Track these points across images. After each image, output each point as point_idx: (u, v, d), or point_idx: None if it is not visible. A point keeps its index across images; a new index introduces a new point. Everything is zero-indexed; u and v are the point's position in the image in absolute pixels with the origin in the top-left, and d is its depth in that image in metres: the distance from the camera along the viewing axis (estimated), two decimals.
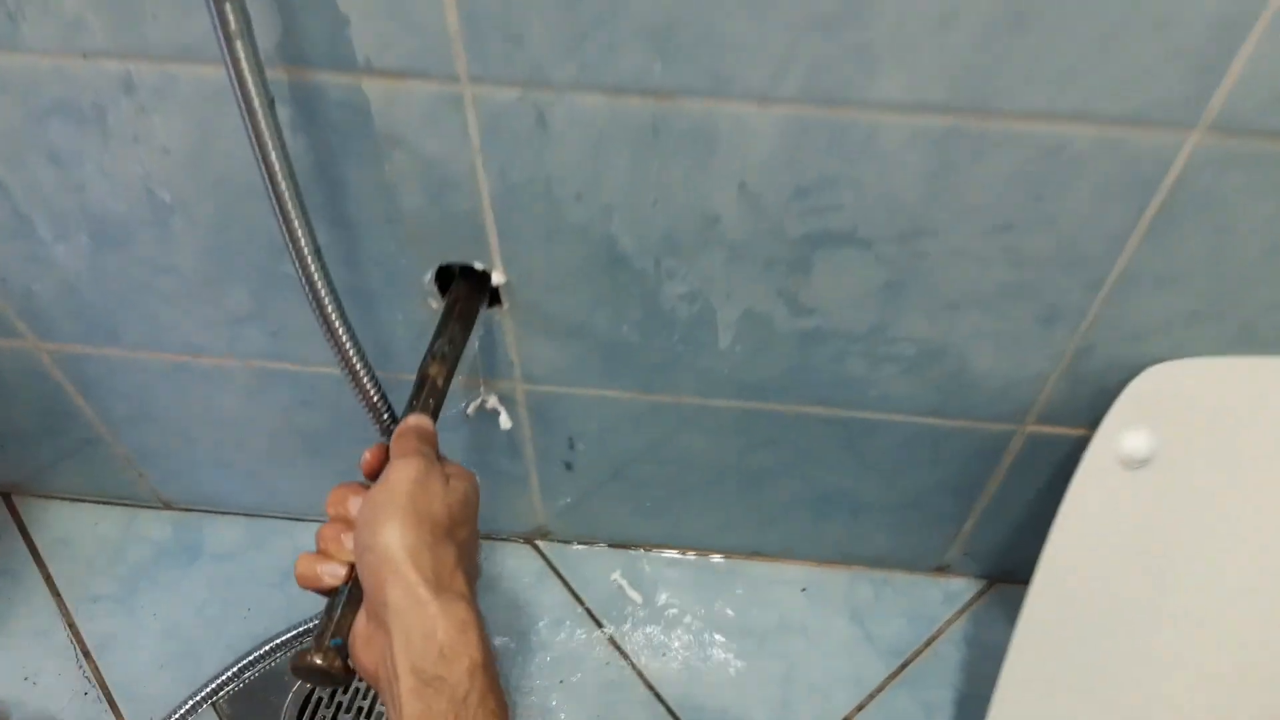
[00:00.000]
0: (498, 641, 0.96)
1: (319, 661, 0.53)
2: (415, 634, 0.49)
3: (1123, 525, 0.71)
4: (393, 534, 0.51)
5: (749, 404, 0.77)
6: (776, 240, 0.61)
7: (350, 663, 0.54)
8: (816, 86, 0.52)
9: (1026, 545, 0.91)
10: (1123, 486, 0.70)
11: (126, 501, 1.05)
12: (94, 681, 0.94)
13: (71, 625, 0.97)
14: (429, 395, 0.63)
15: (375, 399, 0.62)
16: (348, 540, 0.56)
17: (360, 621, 0.54)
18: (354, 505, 0.56)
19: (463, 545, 0.55)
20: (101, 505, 1.05)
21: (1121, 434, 0.69)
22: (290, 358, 0.79)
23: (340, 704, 0.93)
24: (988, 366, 0.70)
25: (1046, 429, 0.76)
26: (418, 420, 0.60)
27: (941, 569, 0.99)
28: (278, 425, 0.88)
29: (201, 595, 1.00)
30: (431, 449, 0.58)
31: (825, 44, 0.50)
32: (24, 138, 0.62)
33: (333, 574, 0.55)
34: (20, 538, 1.03)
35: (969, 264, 0.62)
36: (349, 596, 0.55)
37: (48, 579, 1.00)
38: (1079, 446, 0.75)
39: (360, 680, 0.62)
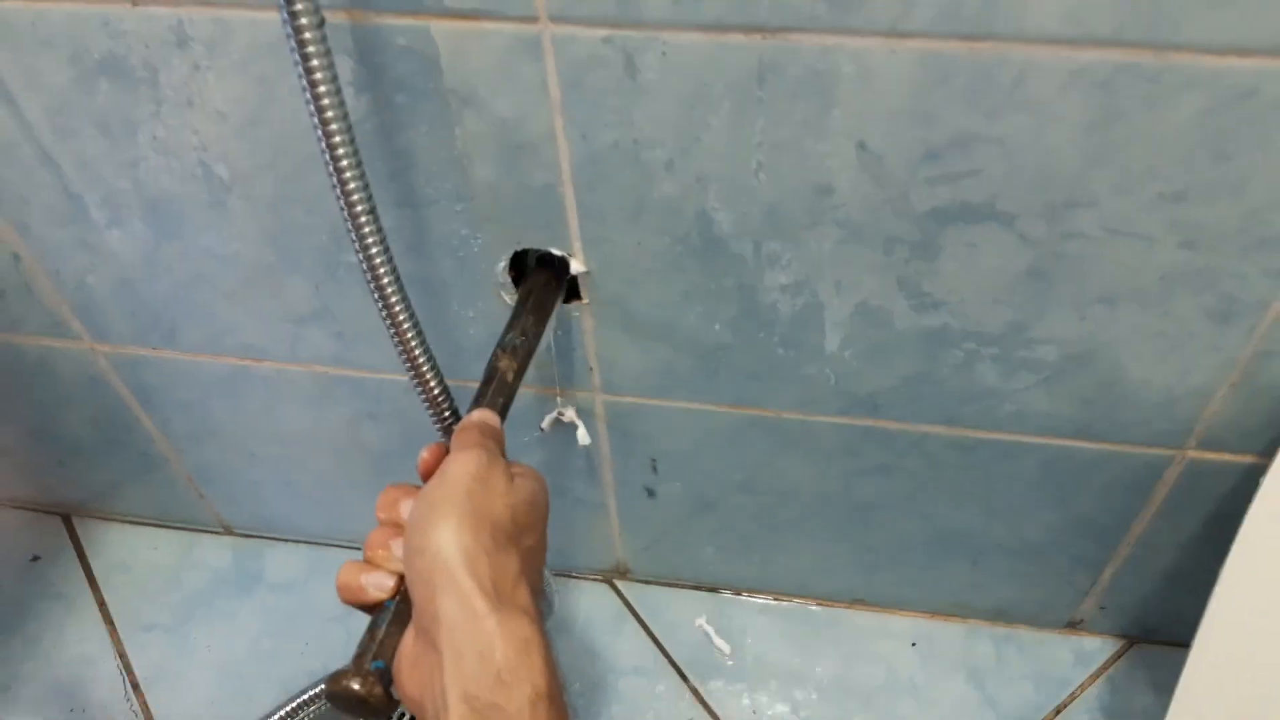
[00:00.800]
0: (570, 692, 0.87)
1: (356, 687, 0.45)
2: (469, 653, 0.42)
3: None
4: (447, 535, 0.44)
5: (859, 421, 0.68)
6: (900, 216, 0.53)
7: (393, 690, 0.46)
8: (956, 16, 0.44)
9: (1176, 599, 0.79)
10: None
11: (187, 526, 1.00)
12: (141, 716, 0.88)
13: (122, 655, 0.92)
14: (497, 392, 0.55)
15: (437, 393, 0.55)
16: (397, 547, 0.48)
17: (407, 640, 0.46)
18: (405, 509, 0.49)
19: (527, 554, 0.47)
20: (161, 529, 1.00)
21: None
22: (355, 363, 0.73)
23: None
24: (1144, 376, 0.60)
25: (1210, 455, 0.65)
26: (482, 415, 0.53)
27: (1073, 625, 0.87)
28: (343, 441, 0.82)
29: (257, 627, 0.93)
30: (496, 445, 0.51)
31: None
32: (72, 102, 0.57)
33: (379, 586, 0.48)
34: (77, 560, 0.99)
35: (1130, 245, 0.52)
36: (396, 613, 0.47)
37: (101, 605, 0.95)
38: (1249, 478, 0.65)
39: (407, 713, 0.54)
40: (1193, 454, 0.65)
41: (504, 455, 0.52)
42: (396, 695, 0.46)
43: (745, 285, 0.59)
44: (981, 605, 0.87)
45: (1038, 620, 0.87)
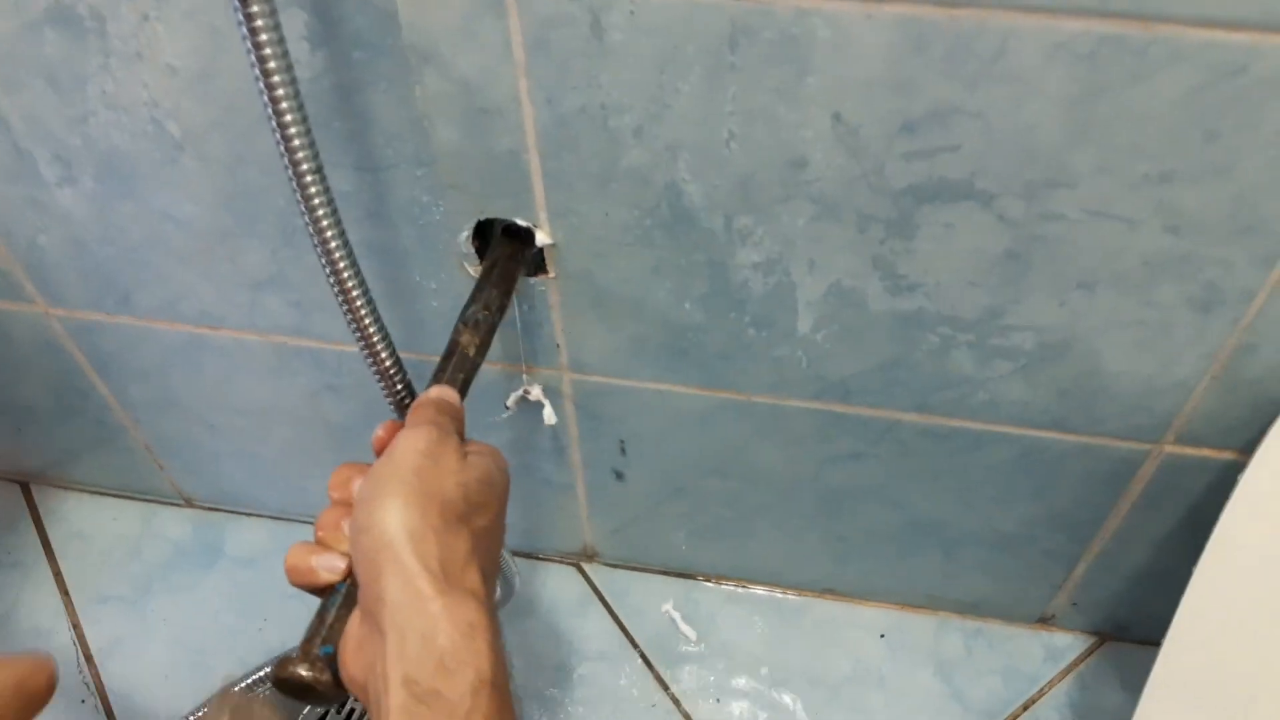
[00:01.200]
0: (531, 675, 0.85)
1: (304, 673, 0.43)
2: (412, 636, 0.40)
3: None
4: (393, 513, 0.42)
5: (831, 406, 0.66)
6: (875, 192, 0.51)
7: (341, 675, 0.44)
8: None
9: (1149, 596, 0.78)
10: None
11: (147, 497, 0.98)
12: (93, 689, 0.86)
13: (76, 626, 0.90)
14: (457, 368, 0.53)
15: (389, 367, 0.53)
16: (349, 528, 0.46)
17: (353, 622, 0.44)
18: (358, 487, 0.46)
19: (480, 535, 0.45)
20: (122, 499, 0.98)
21: None
22: (314, 333, 0.71)
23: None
24: (1122, 367, 0.58)
25: (1188, 450, 0.64)
26: (440, 391, 0.51)
27: (1045, 620, 0.85)
28: (304, 414, 0.80)
29: (217, 601, 0.91)
30: (452, 423, 0.49)
31: None
32: (18, 53, 0.55)
33: (329, 568, 0.46)
34: (34, 529, 0.96)
35: (1112, 228, 0.50)
36: (346, 596, 0.45)
37: (57, 575, 0.93)
38: (1227, 475, 0.63)
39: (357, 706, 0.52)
40: (1170, 449, 0.64)
41: (462, 433, 0.50)
42: (343, 680, 0.44)
43: (716, 261, 0.57)
44: (953, 598, 0.85)
45: (1009, 614, 0.86)
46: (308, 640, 0.45)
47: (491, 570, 0.47)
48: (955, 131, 0.47)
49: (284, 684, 0.44)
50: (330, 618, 0.45)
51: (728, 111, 0.49)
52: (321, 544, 0.47)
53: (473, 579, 0.43)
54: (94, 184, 0.62)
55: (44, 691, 0.46)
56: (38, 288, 0.73)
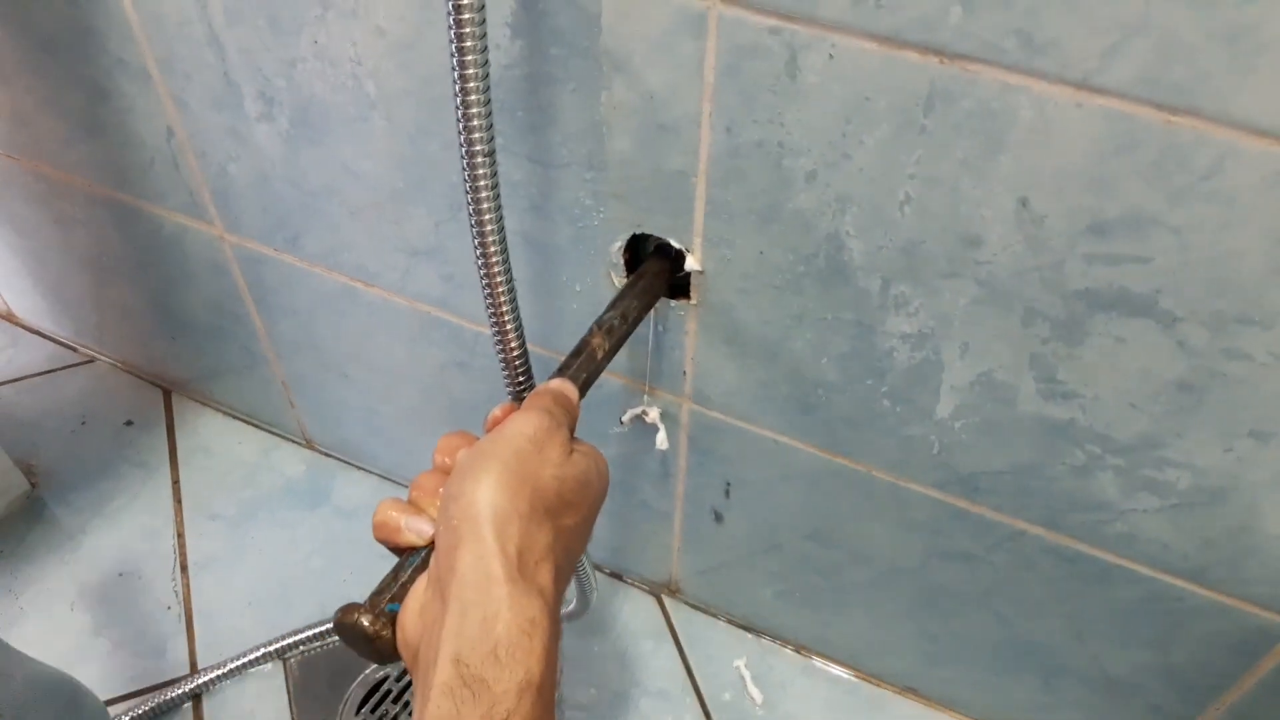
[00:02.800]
0: (586, 693, 0.84)
1: (366, 624, 0.43)
2: (473, 615, 0.39)
3: None
4: (485, 488, 0.41)
5: (954, 499, 0.63)
6: (1048, 288, 0.48)
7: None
8: (1158, 81, 0.39)
9: None
10: None
11: (273, 430, 1.02)
12: (180, 599, 0.89)
13: (180, 535, 0.94)
14: (582, 367, 0.53)
15: (515, 353, 0.53)
16: (442, 494, 0.46)
17: (419, 586, 0.44)
18: (461, 456, 0.46)
19: (563, 533, 0.44)
20: (250, 426, 1.03)
21: None
22: (458, 309, 0.72)
23: (407, 702, 0.83)
24: None
25: None
26: (560, 384, 0.50)
27: None
28: (430, 383, 0.82)
29: (312, 544, 0.94)
30: (565, 416, 0.48)
31: (1189, 21, 0.37)
32: None
33: (416, 530, 0.46)
34: (165, 436, 1.02)
35: None
36: (424, 561, 0.45)
37: (175, 483, 0.98)
38: None
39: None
40: None
41: (573, 430, 0.49)
42: (398, 639, 0.44)
43: (864, 324, 0.55)
44: None
45: None
46: (377, 594, 0.44)
47: (566, 573, 0.46)
48: (1148, 243, 0.44)
49: (345, 629, 0.44)
50: (404, 578, 0.45)
51: (908, 174, 0.47)
52: (414, 504, 0.47)
53: (545, 576, 0.42)
54: (289, 126, 0.65)
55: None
56: (219, 212, 0.77)
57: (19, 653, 0.60)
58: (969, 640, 0.74)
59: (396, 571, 0.45)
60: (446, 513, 0.42)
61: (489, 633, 0.39)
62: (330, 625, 0.85)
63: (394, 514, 0.46)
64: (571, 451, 0.46)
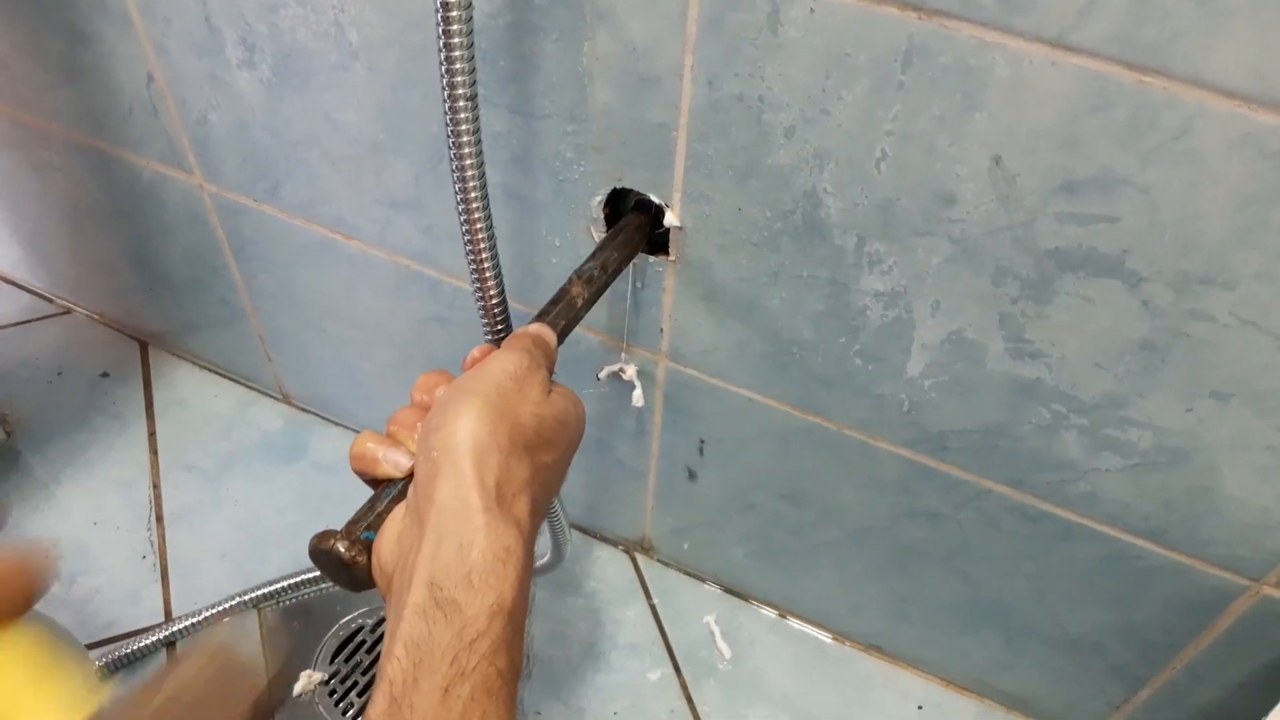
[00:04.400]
0: (560, 647, 0.85)
1: (342, 549, 0.44)
2: (449, 542, 0.40)
3: None
4: (465, 420, 0.42)
5: (922, 458, 0.64)
6: (1019, 247, 0.49)
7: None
8: (1132, 40, 0.40)
9: None
10: None
11: (251, 384, 1.02)
12: (155, 549, 0.90)
13: (156, 486, 0.94)
14: (561, 314, 0.53)
15: (494, 302, 0.53)
16: (422, 427, 0.47)
17: (395, 515, 0.45)
18: (441, 392, 0.47)
19: (541, 470, 0.45)
20: (227, 380, 1.03)
21: None
22: (437, 263, 0.72)
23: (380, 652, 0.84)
24: (1239, 491, 0.54)
25: None
26: (539, 328, 0.51)
27: None
28: (408, 339, 0.82)
29: (288, 498, 0.94)
30: (545, 358, 0.49)
31: None
32: None
33: (393, 462, 0.46)
34: (142, 388, 1.01)
35: (1261, 341, 0.47)
36: (401, 493, 0.46)
37: (151, 435, 0.98)
38: None
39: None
40: (1270, 590, 0.59)
41: (551, 371, 0.50)
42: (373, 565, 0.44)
43: (838, 281, 0.56)
44: (1002, 688, 0.81)
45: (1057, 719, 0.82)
46: (353, 522, 0.45)
47: (542, 508, 0.47)
48: (1118, 203, 0.45)
49: (320, 555, 0.44)
50: (381, 508, 0.45)
51: (885, 130, 0.47)
52: (392, 438, 0.47)
53: (521, 508, 0.43)
54: (270, 73, 0.65)
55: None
56: (198, 161, 0.76)
57: None
58: (935, 599, 0.76)
59: (373, 502, 0.46)
60: (427, 444, 0.43)
61: (464, 559, 0.40)
62: (306, 575, 0.86)
63: (372, 445, 0.47)
64: (550, 391, 0.46)
